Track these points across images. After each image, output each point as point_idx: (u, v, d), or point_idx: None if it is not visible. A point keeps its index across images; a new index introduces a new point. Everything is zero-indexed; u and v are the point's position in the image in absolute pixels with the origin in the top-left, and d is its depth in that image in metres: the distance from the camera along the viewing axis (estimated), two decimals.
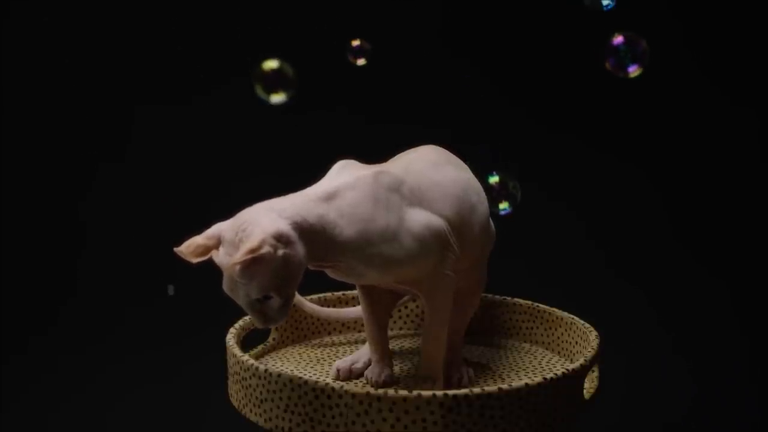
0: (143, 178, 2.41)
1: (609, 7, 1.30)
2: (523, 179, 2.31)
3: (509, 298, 1.70)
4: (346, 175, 1.33)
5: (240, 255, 1.17)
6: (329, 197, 1.28)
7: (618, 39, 1.20)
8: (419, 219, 1.33)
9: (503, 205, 1.31)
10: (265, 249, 1.18)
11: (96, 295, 2.36)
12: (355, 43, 1.56)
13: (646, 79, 2.30)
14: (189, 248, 1.23)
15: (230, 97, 2.38)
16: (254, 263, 1.18)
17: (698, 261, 2.33)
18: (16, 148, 2.41)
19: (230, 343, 1.41)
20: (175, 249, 1.23)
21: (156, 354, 2.22)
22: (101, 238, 2.42)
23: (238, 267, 1.19)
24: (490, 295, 1.68)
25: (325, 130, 2.34)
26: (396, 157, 1.45)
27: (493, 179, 1.32)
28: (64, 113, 2.41)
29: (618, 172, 2.35)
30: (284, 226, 1.22)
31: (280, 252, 1.21)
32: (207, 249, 1.23)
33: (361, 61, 1.55)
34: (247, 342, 1.54)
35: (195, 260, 1.23)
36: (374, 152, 1.46)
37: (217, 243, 1.24)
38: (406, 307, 1.73)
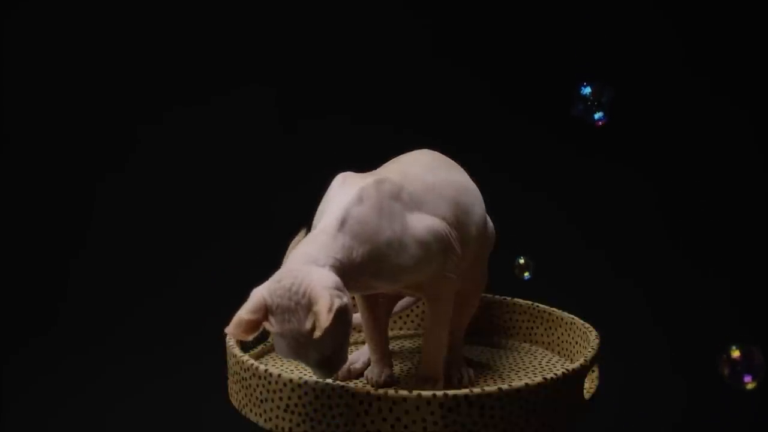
0: (144, 181, 2.41)
1: (601, 119, 1.31)
2: (524, 180, 2.33)
3: (509, 298, 1.70)
4: (348, 189, 1.31)
5: (324, 318, 1.13)
6: (342, 223, 1.26)
7: (736, 354, 1.27)
8: (421, 224, 1.32)
9: None
10: (337, 302, 1.16)
11: (96, 296, 2.36)
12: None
13: (645, 80, 2.32)
14: (239, 327, 1.18)
15: (229, 104, 2.39)
16: (335, 320, 1.15)
17: (697, 261, 2.33)
18: (23, 153, 2.41)
19: (230, 343, 1.41)
20: (226, 330, 1.18)
21: (156, 354, 2.22)
22: (101, 238, 2.42)
23: (323, 330, 1.14)
24: (490, 295, 1.68)
25: (325, 135, 2.34)
26: (391, 161, 1.45)
27: None
28: (67, 120, 2.41)
29: (617, 173, 2.35)
30: (333, 275, 1.21)
31: (345, 299, 1.19)
32: (257, 323, 1.19)
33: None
34: (247, 342, 1.53)
35: (249, 338, 1.19)
36: (371, 157, 1.46)
37: (265, 314, 1.19)
38: None
